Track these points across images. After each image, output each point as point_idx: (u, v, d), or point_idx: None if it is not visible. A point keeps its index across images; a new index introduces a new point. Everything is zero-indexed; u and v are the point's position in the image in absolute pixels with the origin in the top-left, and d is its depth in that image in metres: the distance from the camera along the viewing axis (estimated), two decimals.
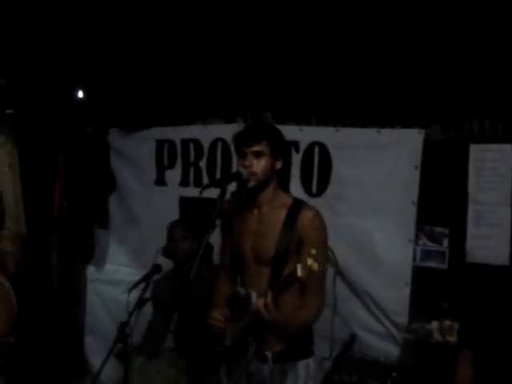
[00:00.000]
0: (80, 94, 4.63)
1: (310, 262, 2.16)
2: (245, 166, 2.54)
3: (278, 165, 2.62)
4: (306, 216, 2.55)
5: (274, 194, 2.65)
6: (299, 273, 2.17)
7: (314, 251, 2.19)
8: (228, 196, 2.67)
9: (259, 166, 2.54)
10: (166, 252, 3.90)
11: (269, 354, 2.59)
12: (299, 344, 2.65)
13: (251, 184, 2.55)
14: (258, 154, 2.54)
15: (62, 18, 4.16)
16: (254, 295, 2.47)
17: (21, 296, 2.34)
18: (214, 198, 2.52)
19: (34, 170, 4.84)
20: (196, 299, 3.32)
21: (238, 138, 2.63)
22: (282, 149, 2.65)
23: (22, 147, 4.76)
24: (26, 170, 4.78)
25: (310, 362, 2.67)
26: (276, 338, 2.58)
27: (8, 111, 4.68)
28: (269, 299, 2.31)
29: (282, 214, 2.58)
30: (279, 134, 2.67)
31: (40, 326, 4.77)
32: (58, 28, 4.23)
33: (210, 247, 4.15)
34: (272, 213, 2.61)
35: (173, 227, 3.98)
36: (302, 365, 2.63)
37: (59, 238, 4.93)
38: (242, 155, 2.59)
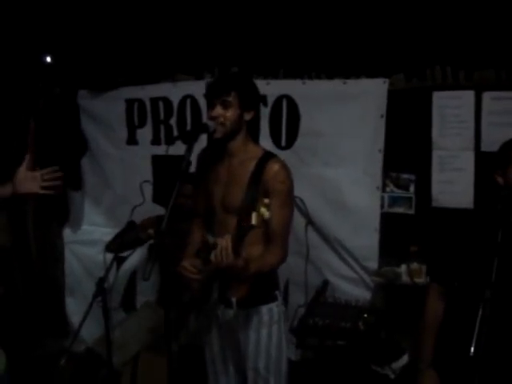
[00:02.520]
0: (48, 59, 4.60)
1: (262, 210, 2.21)
2: (211, 117, 2.57)
3: (247, 116, 2.63)
4: (271, 168, 2.58)
5: (245, 146, 2.67)
6: (253, 221, 2.23)
7: (266, 200, 2.23)
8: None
9: (226, 116, 2.56)
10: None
11: (233, 299, 2.64)
12: (262, 289, 2.70)
13: (218, 134, 2.58)
14: (225, 105, 2.56)
15: None
16: (219, 243, 2.53)
17: None
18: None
19: (5, 135, 4.82)
20: (171, 251, 3.41)
21: (208, 90, 2.65)
22: (251, 100, 2.65)
23: None
24: None
25: (273, 306, 2.72)
26: (239, 284, 2.62)
27: None
28: (227, 244, 2.33)
29: (251, 165, 2.61)
30: (250, 84, 2.67)
31: (20, 290, 4.82)
32: None
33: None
34: (242, 164, 2.65)
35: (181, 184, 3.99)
36: (265, 309, 2.70)
37: (34, 203, 4.94)
38: (211, 106, 2.60)
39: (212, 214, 2.77)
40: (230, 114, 2.57)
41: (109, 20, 4.26)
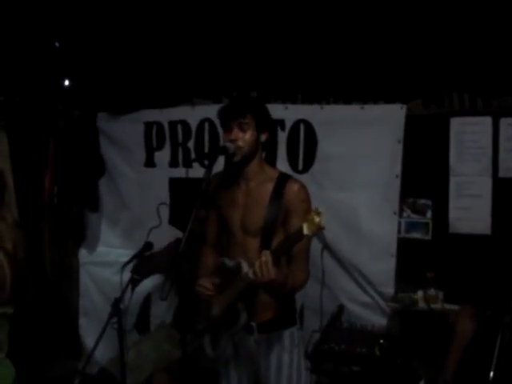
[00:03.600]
0: (66, 82, 4.67)
1: (317, 219, 2.19)
2: (230, 140, 2.58)
3: (263, 137, 2.66)
4: (291, 188, 2.60)
5: (261, 167, 2.69)
6: (305, 231, 2.21)
7: (321, 208, 2.23)
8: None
9: (244, 138, 2.58)
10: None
11: (254, 324, 2.63)
12: (283, 313, 2.69)
13: (237, 158, 2.60)
14: (242, 127, 2.58)
15: (48, 4, 4.19)
16: (244, 263, 2.52)
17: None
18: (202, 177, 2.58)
19: (24, 156, 4.87)
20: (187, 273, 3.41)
21: (223, 112, 2.67)
22: (266, 122, 2.68)
23: (11, 134, 4.79)
24: (16, 157, 4.81)
25: (294, 330, 2.72)
26: (262, 309, 2.62)
27: None
28: (269, 260, 2.34)
29: (269, 186, 2.63)
30: (263, 107, 2.72)
31: (33, 310, 4.82)
32: (44, 15, 4.26)
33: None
34: (259, 186, 2.66)
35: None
36: (286, 334, 2.68)
37: (51, 223, 4.97)
38: (227, 129, 2.62)
39: (230, 238, 2.77)
40: (248, 136, 2.59)
41: (128, 44, 4.32)
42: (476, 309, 2.54)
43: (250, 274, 2.42)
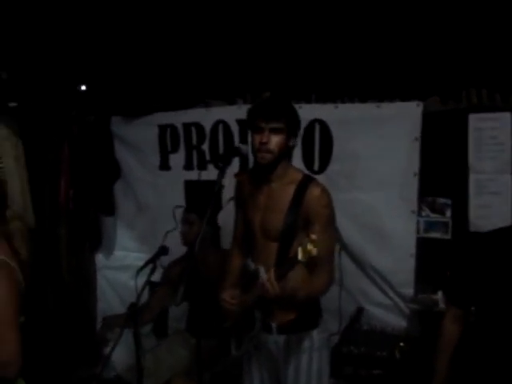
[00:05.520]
0: (83, 87, 4.67)
1: (309, 247, 2.20)
2: (262, 143, 2.53)
3: (292, 142, 2.62)
4: (312, 193, 2.56)
5: (286, 171, 2.65)
6: (299, 256, 2.23)
7: (314, 236, 2.21)
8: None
9: (276, 142, 2.54)
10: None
11: (274, 324, 2.63)
12: (304, 315, 2.67)
13: (264, 161, 2.56)
14: (275, 131, 2.54)
15: (60, 9, 4.18)
16: (262, 270, 2.49)
17: (31, 286, 2.36)
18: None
19: (39, 161, 4.89)
20: (202, 275, 3.38)
21: (256, 113, 2.60)
22: (296, 126, 2.66)
23: (26, 139, 4.80)
24: (31, 162, 4.83)
25: (314, 333, 2.69)
26: (282, 310, 2.61)
27: (11, 104, 4.73)
28: (272, 276, 2.35)
29: (291, 189, 2.59)
30: (295, 111, 2.67)
31: (51, 316, 4.84)
32: (56, 19, 4.26)
33: (216, 228, 4.21)
34: (281, 188, 2.62)
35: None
36: (306, 336, 2.66)
37: (67, 228, 4.98)
38: (258, 130, 2.56)
39: (252, 240, 2.75)
40: (280, 140, 2.55)
41: (140, 47, 4.30)
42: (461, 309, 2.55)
43: (258, 287, 2.44)
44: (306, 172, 3.70)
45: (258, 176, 2.71)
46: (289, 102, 2.75)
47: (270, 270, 2.38)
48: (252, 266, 2.63)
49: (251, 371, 2.83)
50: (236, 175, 2.93)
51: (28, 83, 4.59)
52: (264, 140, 2.53)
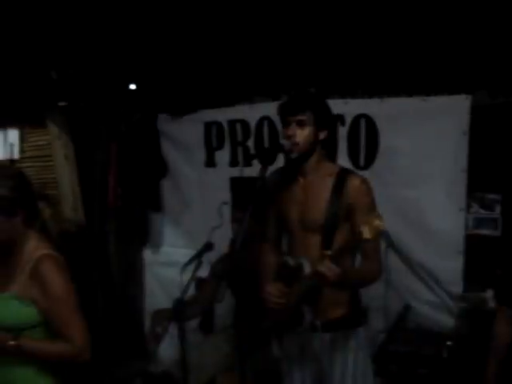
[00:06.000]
0: (132, 86, 4.73)
1: (376, 222, 2.14)
2: (288, 136, 2.55)
3: (322, 135, 2.60)
4: (354, 183, 2.55)
5: (319, 164, 2.64)
6: (366, 235, 2.16)
7: (379, 212, 2.20)
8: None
9: (302, 135, 2.54)
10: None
11: (318, 322, 2.59)
12: (350, 313, 2.64)
13: (294, 154, 2.56)
14: (301, 124, 2.54)
15: (107, 9, 4.24)
16: (306, 263, 2.46)
17: (81, 283, 2.42)
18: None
19: (89, 159, 4.98)
20: (248, 271, 3.38)
21: (283, 109, 2.63)
22: (326, 119, 2.63)
23: (75, 138, 4.90)
24: (80, 160, 4.93)
25: (361, 331, 2.65)
26: (328, 307, 2.57)
27: (61, 103, 4.83)
28: (327, 262, 2.29)
29: (330, 182, 2.58)
30: (323, 103, 2.65)
31: (101, 311, 4.92)
32: (104, 19, 4.31)
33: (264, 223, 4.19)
34: (318, 181, 2.61)
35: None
36: (352, 334, 2.63)
37: (116, 225, 5.06)
38: (285, 125, 2.59)
39: (290, 235, 2.74)
40: (306, 132, 2.55)
41: (186, 45, 4.32)
42: None
43: (312, 275, 2.37)
44: (352, 168, 3.75)
45: (291, 170, 2.70)
46: (316, 95, 2.73)
47: (325, 256, 2.32)
48: (292, 261, 2.59)
49: (292, 373, 2.78)
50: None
51: (77, 83, 4.66)
52: (289, 133, 2.54)
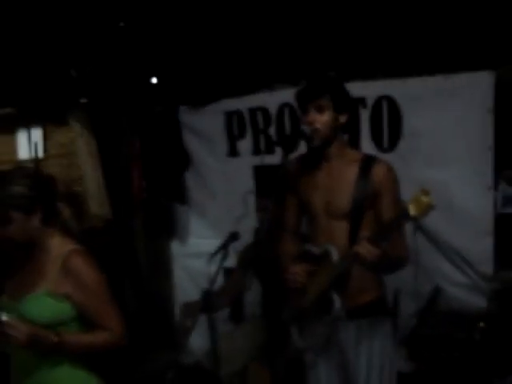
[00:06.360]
0: (153, 80, 4.73)
1: (424, 198, 2.13)
2: (308, 122, 2.53)
3: (342, 119, 2.57)
4: (380, 169, 2.53)
5: (342, 150, 2.62)
6: (413, 211, 2.14)
7: (426, 189, 2.18)
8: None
9: (322, 121, 2.51)
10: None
11: (344, 310, 2.55)
12: (375, 300, 2.62)
13: (316, 142, 2.54)
14: (320, 109, 2.52)
15: (126, 4, 4.23)
16: (333, 249, 2.45)
17: (110, 277, 2.44)
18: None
19: (112, 154, 5.01)
20: (274, 259, 3.36)
21: (300, 95, 2.61)
22: (345, 102, 2.59)
23: (98, 134, 4.93)
24: (104, 156, 4.95)
25: (387, 319, 2.64)
26: (356, 293, 2.53)
27: (82, 100, 4.85)
28: (366, 243, 2.29)
29: (354, 168, 2.56)
30: (341, 86, 2.62)
31: (131, 305, 4.96)
32: (123, 15, 4.31)
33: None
34: (343, 167, 2.58)
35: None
36: (378, 321, 2.60)
37: (142, 218, 5.09)
38: (304, 111, 2.57)
39: (313, 223, 2.70)
40: (326, 118, 2.52)
41: (203, 34, 4.30)
42: None
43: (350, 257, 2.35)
44: (376, 151, 3.71)
45: (313, 157, 2.66)
46: (332, 78, 2.71)
47: (364, 237, 2.32)
48: (316, 248, 2.56)
49: (317, 363, 2.73)
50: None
51: (97, 79, 4.67)
52: (309, 119, 2.53)
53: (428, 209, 2.13)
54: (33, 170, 2.50)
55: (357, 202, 2.53)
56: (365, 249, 2.28)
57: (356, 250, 2.32)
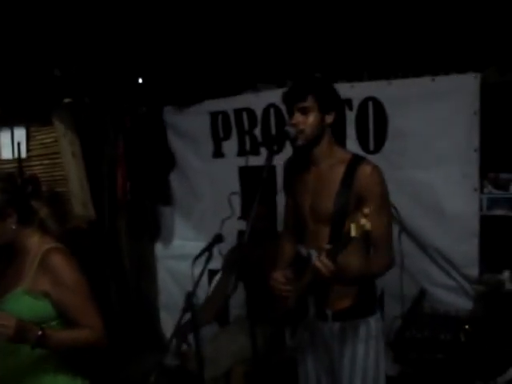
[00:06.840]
0: (139, 80, 4.69)
1: (362, 221, 2.08)
2: (292, 124, 2.50)
3: (329, 119, 2.53)
4: (364, 171, 2.46)
5: (330, 150, 2.58)
6: (352, 233, 2.11)
7: (366, 210, 2.10)
8: None
9: (306, 122, 2.48)
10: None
11: (329, 312, 2.56)
12: (360, 302, 2.59)
13: (299, 142, 2.51)
14: (304, 111, 2.49)
15: (109, 4, 4.20)
16: (314, 254, 2.43)
17: (94, 278, 2.43)
18: (273, 164, 2.56)
19: (96, 155, 4.96)
20: (258, 261, 3.34)
21: (285, 97, 2.59)
22: (330, 102, 2.55)
23: (82, 134, 4.88)
24: (88, 157, 4.90)
25: (372, 320, 2.60)
26: (338, 296, 2.54)
27: (66, 100, 4.80)
28: (323, 256, 2.25)
29: (340, 170, 2.51)
30: (327, 86, 2.58)
31: (114, 306, 4.92)
32: (106, 15, 4.27)
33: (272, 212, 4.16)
34: (330, 169, 2.54)
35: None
36: (362, 323, 2.58)
37: (126, 219, 5.04)
38: (290, 113, 2.55)
39: (303, 225, 2.69)
40: (311, 119, 2.50)
41: (187, 35, 4.27)
42: None
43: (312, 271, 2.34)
44: (361, 152, 3.69)
45: (302, 159, 2.65)
46: (317, 78, 2.68)
47: (322, 249, 2.28)
48: (304, 251, 2.56)
49: (306, 362, 2.76)
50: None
51: (81, 79, 4.63)
52: (293, 121, 2.50)
53: (364, 232, 2.10)
54: (1, 174, 2.48)
55: (339, 206, 2.48)
56: (321, 263, 2.24)
57: (313, 263, 2.30)
